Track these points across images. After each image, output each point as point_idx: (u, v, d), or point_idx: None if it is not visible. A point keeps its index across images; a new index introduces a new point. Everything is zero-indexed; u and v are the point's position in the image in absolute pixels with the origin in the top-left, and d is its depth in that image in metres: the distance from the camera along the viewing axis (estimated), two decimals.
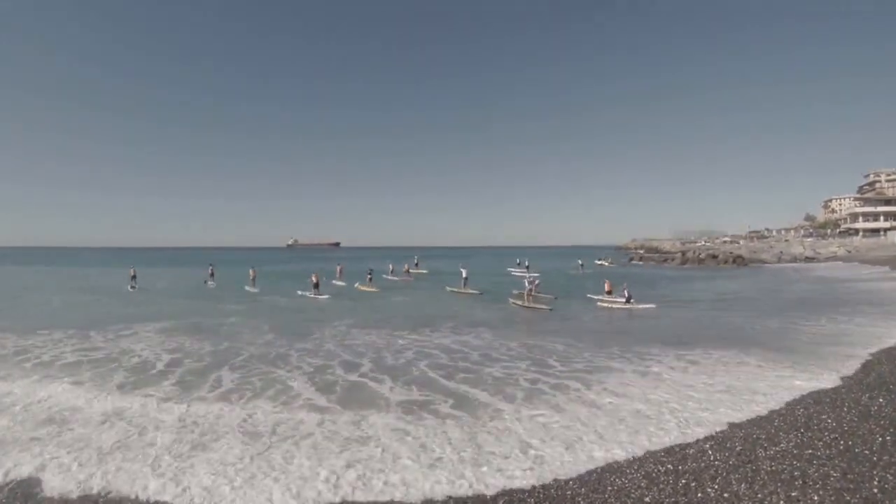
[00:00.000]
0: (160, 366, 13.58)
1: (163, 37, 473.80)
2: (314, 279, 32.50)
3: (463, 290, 33.24)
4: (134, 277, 39.65)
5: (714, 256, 74.71)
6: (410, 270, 51.29)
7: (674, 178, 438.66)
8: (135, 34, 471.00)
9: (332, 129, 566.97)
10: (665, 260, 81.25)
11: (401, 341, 16.90)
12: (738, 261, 68.50)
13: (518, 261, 59.69)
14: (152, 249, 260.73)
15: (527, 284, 28.15)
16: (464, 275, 34.57)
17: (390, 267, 49.52)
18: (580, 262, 60.97)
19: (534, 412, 9.32)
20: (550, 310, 25.29)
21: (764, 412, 9.06)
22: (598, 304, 27.81)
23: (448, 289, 34.72)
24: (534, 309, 25.85)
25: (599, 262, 71.67)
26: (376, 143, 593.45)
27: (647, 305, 26.14)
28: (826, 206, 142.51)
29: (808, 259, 72.15)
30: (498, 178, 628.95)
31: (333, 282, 40.71)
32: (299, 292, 32.61)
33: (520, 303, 27.41)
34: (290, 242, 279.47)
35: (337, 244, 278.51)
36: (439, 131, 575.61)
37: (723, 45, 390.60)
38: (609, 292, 28.09)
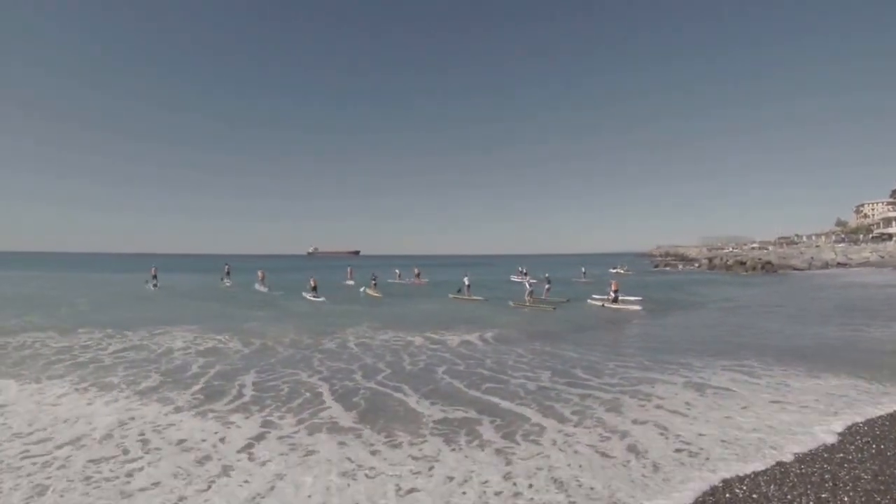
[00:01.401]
0: (194, 368, 13.34)
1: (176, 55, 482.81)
2: (313, 283, 34.31)
3: (466, 297, 33.81)
4: (155, 276, 40.84)
5: (742, 263, 73.26)
6: (419, 275, 52.03)
7: (701, 185, 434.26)
8: (145, 33, 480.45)
9: (352, 142, 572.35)
10: (692, 266, 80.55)
11: (416, 342, 17.04)
12: (768, 267, 67.02)
13: (519, 268, 59.93)
14: (174, 256, 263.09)
15: (527, 286, 29.78)
16: (466, 282, 35.18)
17: (397, 272, 50.96)
18: (583, 269, 60.68)
19: (585, 438, 8.01)
20: (554, 309, 26.76)
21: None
22: (589, 301, 29.75)
23: (451, 296, 35.06)
24: (537, 309, 27.07)
25: (615, 270, 69.67)
26: (394, 157, 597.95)
27: (634, 307, 26.48)
28: (858, 211, 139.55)
29: (840, 265, 70.50)
30: (516, 185, 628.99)
31: (346, 282, 43.37)
32: (305, 295, 33.90)
33: (520, 304, 28.49)
34: (310, 250, 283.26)
35: (357, 252, 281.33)
36: (454, 141, 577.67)
37: (751, 48, 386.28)
38: (616, 291, 28.56)
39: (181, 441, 7.96)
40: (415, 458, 7.22)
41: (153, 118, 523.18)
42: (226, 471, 6.80)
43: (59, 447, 7.70)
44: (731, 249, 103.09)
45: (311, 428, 8.69)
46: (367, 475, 6.65)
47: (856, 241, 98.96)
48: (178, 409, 9.72)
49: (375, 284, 38.64)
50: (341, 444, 7.89)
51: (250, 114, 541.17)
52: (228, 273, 45.53)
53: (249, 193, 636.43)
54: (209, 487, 6.34)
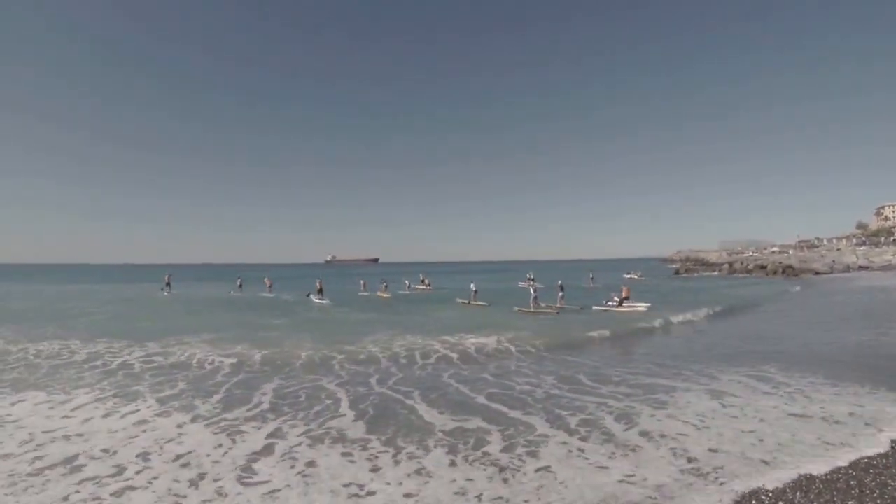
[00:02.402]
0: (219, 377, 13.50)
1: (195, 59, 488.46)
2: (318, 286, 38.24)
3: (472, 302, 35.05)
4: (169, 283, 44.23)
5: (763, 267, 72.76)
6: (425, 281, 54.56)
7: (720, 189, 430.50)
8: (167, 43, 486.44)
9: (369, 151, 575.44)
10: (713, 271, 79.72)
11: (427, 348, 17.43)
12: (788, 271, 66.47)
13: (528, 275, 60.39)
14: (191, 266, 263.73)
15: (532, 293, 30.56)
16: (473, 288, 36.54)
17: (406, 283, 52.73)
18: (591, 275, 61.21)
19: (590, 454, 7.70)
20: (557, 314, 27.75)
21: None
22: (595, 307, 29.77)
23: (458, 300, 36.45)
24: (540, 314, 27.90)
25: (628, 276, 69.57)
26: (411, 165, 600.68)
27: (640, 308, 27.44)
28: (878, 213, 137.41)
29: (862, 268, 69.59)
30: (533, 191, 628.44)
31: (360, 293, 45.57)
32: (312, 297, 37.12)
33: (525, 310, 29.19)
34: (328, 259, 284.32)
35: (375, 260, 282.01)
36: (471, 147, 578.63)
37: (768, 50, 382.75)
38: (626, 298, 29.18)
39: (181, 457, 7.78)
40: (409, 476, 6.98)
41: (168, 129, 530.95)
42: (219, 492, 6.56)
43: (51, 467, 7.40)
44: (751, 254, 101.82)
45: (318, 439, 8.58)
46: (356, 495, 6.44)
47: (877, 244, 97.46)
48: (194, 419, 9.74)
49: (386, 287, 44.03)
50: (345, 455, 7.80)
51: (264, 123, 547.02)
52: (241, 286, 48.92)
53: (267, 202, 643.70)
54: None
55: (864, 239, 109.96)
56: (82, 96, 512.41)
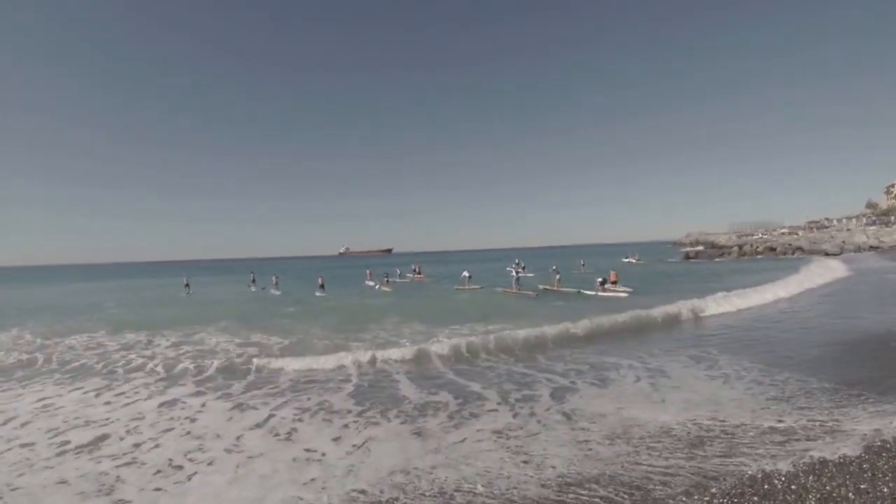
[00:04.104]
0: (240, 360, 15.05)
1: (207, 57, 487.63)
2: (320, 281, 41.75)
3: (467, 287, 39.62)
4: (187, 285, 47.72)
5: (772, 248, 72.49)
6: (417, 270, 57.55)
7: (729, 171, 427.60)
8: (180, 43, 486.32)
9: (379, 143, 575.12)
10: (722, 254, 79.07)
11: (420, 330, 19.42)
12: (799, 252, 66.23)
13: (516, 260, 60.98)
14: (207, 261, 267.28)
15: (514, 275, 35.08)
16: (467, 275, 41.96)
17: (398, 272, 56.27)
18: (582, 262, 62.16)
19: (515, 429, 8.52)
20: (536, 296, 30.72)
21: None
22: (582, 291, 31.43)
23: (456, 287, 40.54)
24: (520, 295, 31.38)
25: (627, 260, 69.45)
26: (419, 156, 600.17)
27: (621, 294, 28.69)
28: (888, 192, 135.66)
29: (872, 248, 69.02)
30: (546, 178, 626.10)
31: (365, 283, 48.59)
32: (316, 294, 39.23)
33: (508, 291, 33.16)
34: (342, 250, 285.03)
35: (389, 251, 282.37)
36: (476, 136, 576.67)
37: (772, 29, 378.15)
38: (614, 282, 30.63)
39: (192, 432, 9.04)
40: (359, 447, 7.98)
41: (179, 126, 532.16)
42: (210, 462, 7.64)
43: (76, 451, 8.31)
44: (760, 235, 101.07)
45: (307, 412, 9.88)
46: (309, 460, 7.53)
47: (887, 223, 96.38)
48: (218, 399, 11.17)
49: (388, 281, 46.24)
50: (325, 422, 9.23)
51: (276, 118, 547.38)
52: (254, 280, 51.27)
53: (280, 196, 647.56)
54: (188, 480, 7.07)
55: (874, 218, 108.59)
56: (90, 95, 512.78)
